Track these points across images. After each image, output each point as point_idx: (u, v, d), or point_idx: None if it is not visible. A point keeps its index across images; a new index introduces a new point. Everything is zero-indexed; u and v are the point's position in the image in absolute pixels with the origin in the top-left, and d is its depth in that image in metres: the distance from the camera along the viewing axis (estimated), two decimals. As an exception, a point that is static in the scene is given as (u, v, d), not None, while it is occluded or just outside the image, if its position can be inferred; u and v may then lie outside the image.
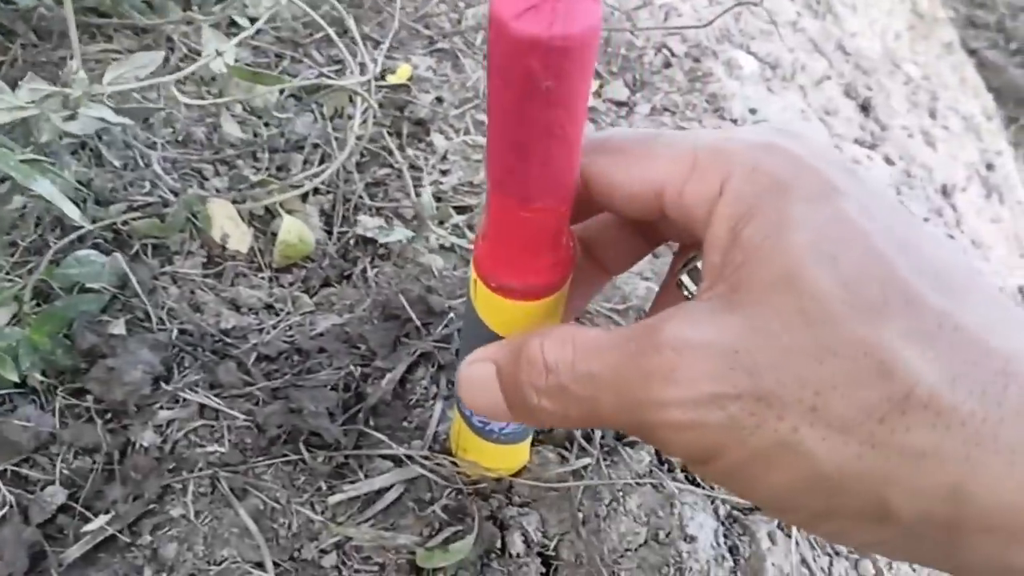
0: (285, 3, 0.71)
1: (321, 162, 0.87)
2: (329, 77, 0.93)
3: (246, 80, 0.66)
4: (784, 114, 1.01)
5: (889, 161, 1.06)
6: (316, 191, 0.84)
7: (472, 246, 0.78)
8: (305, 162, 0.86)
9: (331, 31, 0.77)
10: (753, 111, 1.00)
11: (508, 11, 0.36)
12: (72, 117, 0.63)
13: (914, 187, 1.03)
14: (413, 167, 0.87)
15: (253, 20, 0.97)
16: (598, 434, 0.68)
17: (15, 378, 0.58)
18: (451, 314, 0.74)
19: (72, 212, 0.61)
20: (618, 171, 0.37)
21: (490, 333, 0.51)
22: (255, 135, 0.86)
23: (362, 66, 0.87)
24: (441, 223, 0.79)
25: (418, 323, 0.73)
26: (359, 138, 0.79)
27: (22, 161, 0.61)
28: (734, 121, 0.99)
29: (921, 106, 1.68)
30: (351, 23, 0.82)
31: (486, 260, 0.48)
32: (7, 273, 0.72)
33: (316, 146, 0.87)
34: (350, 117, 0.90)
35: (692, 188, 0.35)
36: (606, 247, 0.45)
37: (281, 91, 0.88)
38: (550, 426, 0.38)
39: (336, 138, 0.88)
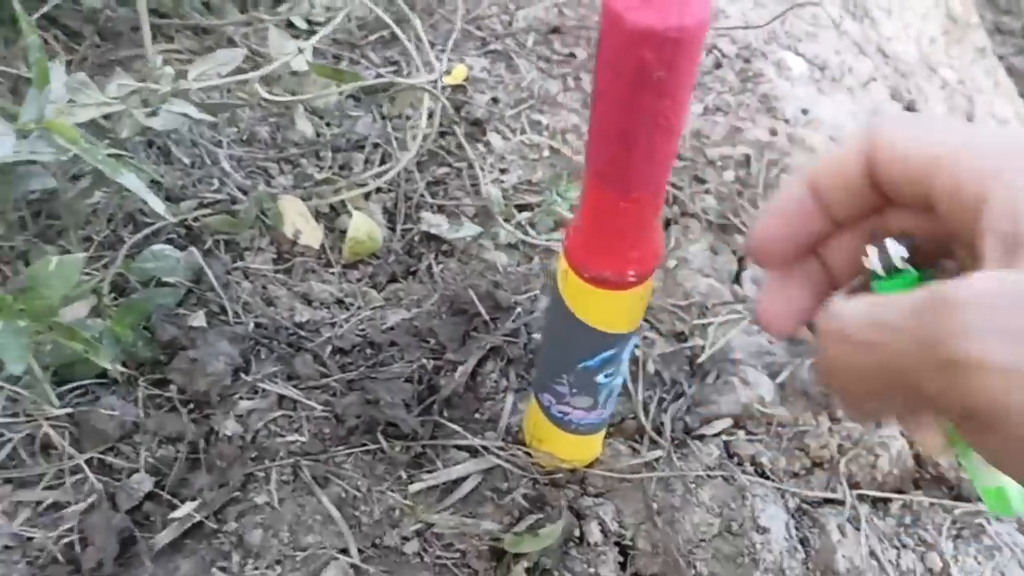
0: (355, 3, 0.72)
1: (382, 161, 0.88)
2: (389, 79, 0.94)
3: (327, 77, 0.67)
4: (836, 115, 1.01)
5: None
6: (379, 189, 0.85)
7: (537, 241, 0.79)
8: (366, 161, 0.88)
9: (396, 28, 0.78)
10: (805, 111, 1.01)
11: (623, 3, 0.37)
12: (154, 113, 0.64)
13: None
14: (471, 166, 0.88)
15: (309, 22, 0.99)
16: (668, 427, 0.69)
17: (107, 364, 0.60)
18: (518, 309, 0.75)
19: (157, 206, 0.62)
20: (904, 139, 0.35)
21: (578, 323, 0.52)
22: (318, 135, 0.87)
23: (427, 65, 0.89)
24: (506, 221, 0.80)
25: (486, 317, 0.74)
26: (425, 137, 0.80)
27: (108, 155, 0.62)
28: (786, 121, 0.99)
29: (958, 110, 1.68)
30: (416, 23, 0.83)
31: (580, 251, 0.49)
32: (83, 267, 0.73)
33: (376, 145, 0.88)
34: (408, 117, 0.91)
35: (968, 166, 0.33)
36: (841, 255, 0.42)
37: (340, 94, 0.90)
38: (846, 385, 0.34)
39: (396, 138, 0.89)
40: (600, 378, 0.56)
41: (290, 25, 0.98)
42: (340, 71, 0.68)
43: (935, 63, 1.84)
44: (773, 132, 0.97)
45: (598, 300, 0.51)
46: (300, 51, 0.65)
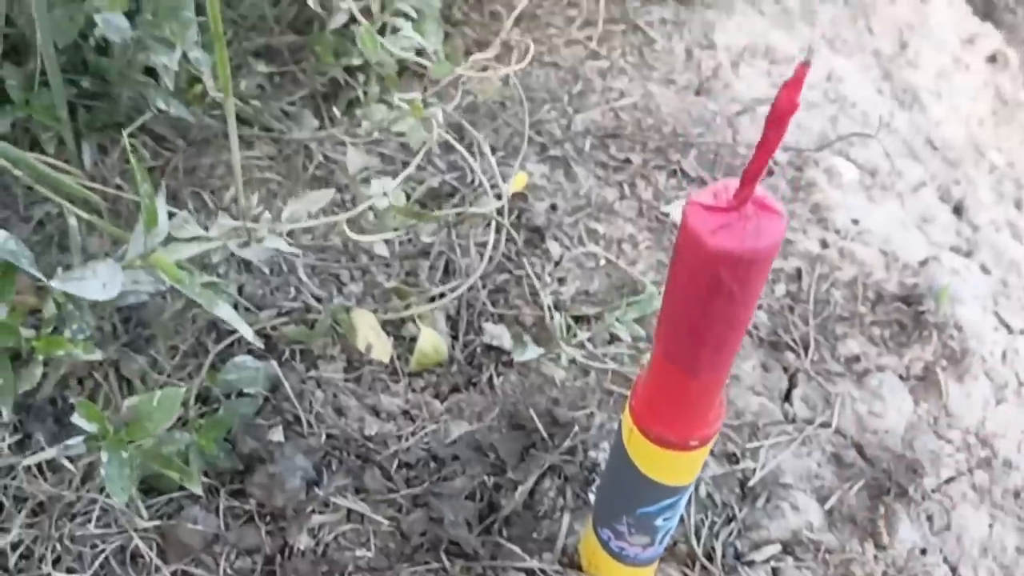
0: (432, 136, 0.77)
1: (446, 268, 0.92)
2: (453, 185, 0.99)
3: (408, 217, 0.72)
4: (886, 225, 1.04)
5: (985, 270, 1.08)
6: (442, 295, 0.89)
7: (594, 359, 0.83)
8: (431, 268, 0.92)
9: (461, 149, 0.83)
10: (856, 221, 1.04)
11: (704, 226, 0.41)
12: (246, 244, 0.69)
13: (1011, 297, 1.06)
14: (531, 274, 0.92)
15: (380, 131, 1.04)
16: (719, 552, 0.72)
17: (198, 489, 0.64)
18: (575, 427, 0.78)
19: (247, 333, 0.67)
20: None
21: (641, 475, 0.56)
22: (386, 242, 0.92)
23: (487, 174, 0.94)
24: (565, 334, 0.83)
25: (544, 434, 0.78)
26: (494, 247, 0.85)
27: (203, 285, 0.67)
28: (837, 232, 1.02)
29: (1007, 197, 1.69)
30: (478, 137, 0.88)
31: (646, 414, 0.53)
32: (168, 375, 0.78)
33: (441, 253, 0.93)
34: (472, 226, 0.95)
35: None
36: None
37: (408, 197, 0.95)
38: None
39: (459, 245, 0.93)
40: (659, 522, 0.59)
41: (359, 126, 1.03)
42: (420, 213, 0.73)
43: (983, 145, 1.85)
44: (824, 244, 1.01)
45: (661, 458, 0.54)
46: (385, 194, 0.69)
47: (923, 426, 0.85)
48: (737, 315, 0.44)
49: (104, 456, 0.58)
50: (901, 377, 0.88)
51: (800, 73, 0.34)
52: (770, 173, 1.09)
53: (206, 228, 0.70)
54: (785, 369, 0.87)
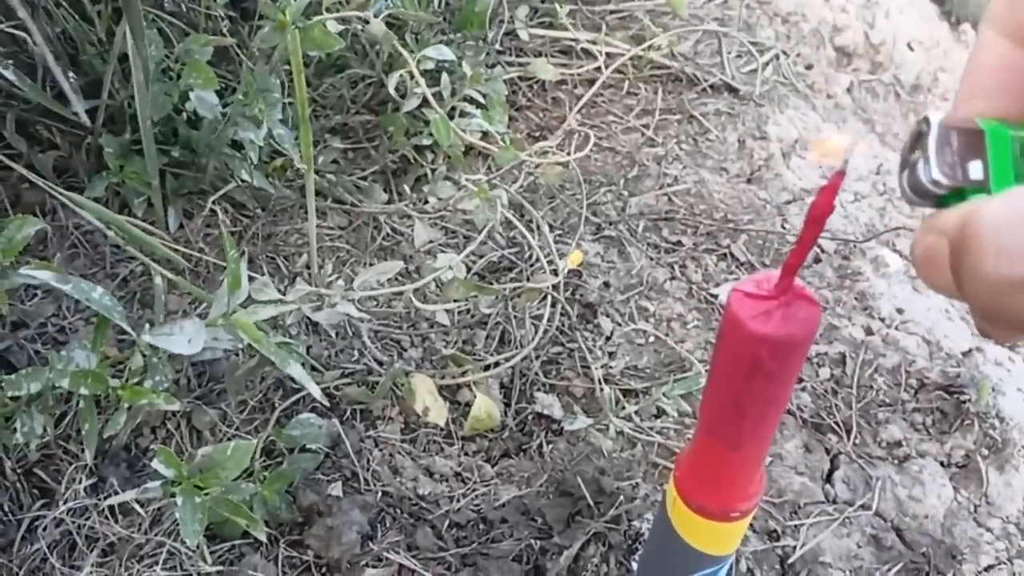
0: (496, 217, 0.82)
1: (501, 337, 0.97)
2: (511, 259, 1.04)
3: (470, 291, 0.77)
4: (929, 315, 1.06)
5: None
6: (496, 364, 0.93)
7: (641, 432, 0.86)
8: (487, 337, 0.97)
9: (521, 227, 0.88)
10: (900, 310, 1.06)
11: (745, 313, 0.45)
12: (319, 308, 0.74)
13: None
14: (583, 348, 0.96)
15: (441, 199, 1.10)
16: (757, 628, 0.73)
17: (263, 537, 0.68)
18: (620, 496, 0.81)
19: (316, 392, 0.71)
20: None
21: (683, 543, 0.59)
22: (447, 311, 0.97)
23: (544, 251, 0.99)
24: (613, 410, 0.87)
25: (591, 502, 0.81)
26: (547, 329, 0.89)
27: (277, 345, 0.72)
28: (882, 320, 1.05)
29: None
30: (544, 227, 0.93)
31: (688, 485, 0.56)
32: (237, 428, 0.83)
33: (498, 324, 0.97)
34: (529, 299, 1.00)
35: None
36: None
37: (469, 269, 1.00)
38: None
39: (515, 316, 0.98)
40: (698, 591, 0.61)
41: (426, 202, 1.10)
42: (481, 286, 0.78)
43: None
44: (868, 331, 1.03)
45: (702, 527, 0.57)
46: (451, 267, 0.75)
47: (963, 513, 0.86)
48: (775, 393, 0.48)
49: (179, 500, 0.63)
50: (942, 464, 0.90)
51: (836, 180, 0.38)
52: (817, 261, 1.12)
53: (283, 292, 0.76)
54: (827, 450, 0.89)
